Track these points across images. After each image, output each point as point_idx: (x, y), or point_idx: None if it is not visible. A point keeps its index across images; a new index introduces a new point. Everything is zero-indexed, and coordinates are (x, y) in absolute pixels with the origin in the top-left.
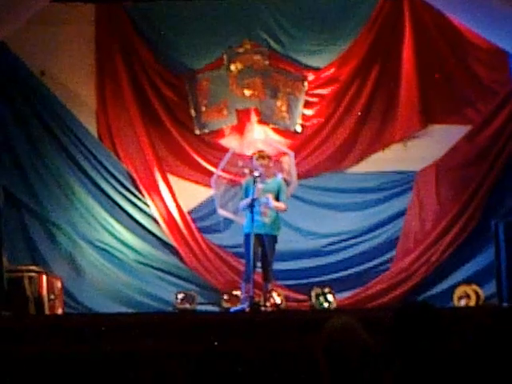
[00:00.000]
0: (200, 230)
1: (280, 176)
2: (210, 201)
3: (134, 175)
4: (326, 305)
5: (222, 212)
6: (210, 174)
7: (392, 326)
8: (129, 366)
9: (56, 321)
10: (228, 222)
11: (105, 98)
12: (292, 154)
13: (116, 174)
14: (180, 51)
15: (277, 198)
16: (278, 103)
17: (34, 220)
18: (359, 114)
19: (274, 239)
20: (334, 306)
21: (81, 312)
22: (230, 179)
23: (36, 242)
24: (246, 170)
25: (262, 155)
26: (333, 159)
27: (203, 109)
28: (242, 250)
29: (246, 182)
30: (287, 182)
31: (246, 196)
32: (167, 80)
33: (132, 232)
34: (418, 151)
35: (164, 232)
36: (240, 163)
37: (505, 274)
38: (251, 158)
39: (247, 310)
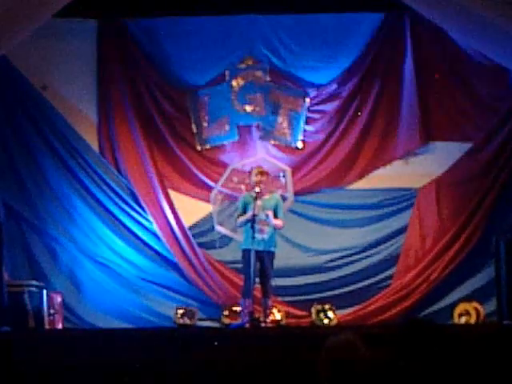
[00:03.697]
0: (201, 245)
1: (277, 192)
2: (211, 216)
3: (135, 190)
4: (326, 321)
5: (219, 229)
6: (212, 189)
7: (395, 342)
8: (128, 381)
9: (56, 335)
10: (227, 239)
11: (106, 113)
12: (289, 169)
13: (117, 189)
14: (182, 67)
15: (274, 215)
16: (279, 119)
17: (34, 235)
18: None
19: (272, 255)
20: (334, 322)
21: (80, 327)
22: (229, 195)
23: (37, 257)
24: (243, 186)
25: (260, 171)
26: (334, 175)
27: (205, 124)
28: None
29: (244, 198)
30: (284, 198)
31: (244, 212)
32: (169, 95)
33: (132, 247)
34: (419, 168)
35: (165, 247)
36: (235, 179)
37: (505, 291)
38: (249, 174)
39: (247, 325)
